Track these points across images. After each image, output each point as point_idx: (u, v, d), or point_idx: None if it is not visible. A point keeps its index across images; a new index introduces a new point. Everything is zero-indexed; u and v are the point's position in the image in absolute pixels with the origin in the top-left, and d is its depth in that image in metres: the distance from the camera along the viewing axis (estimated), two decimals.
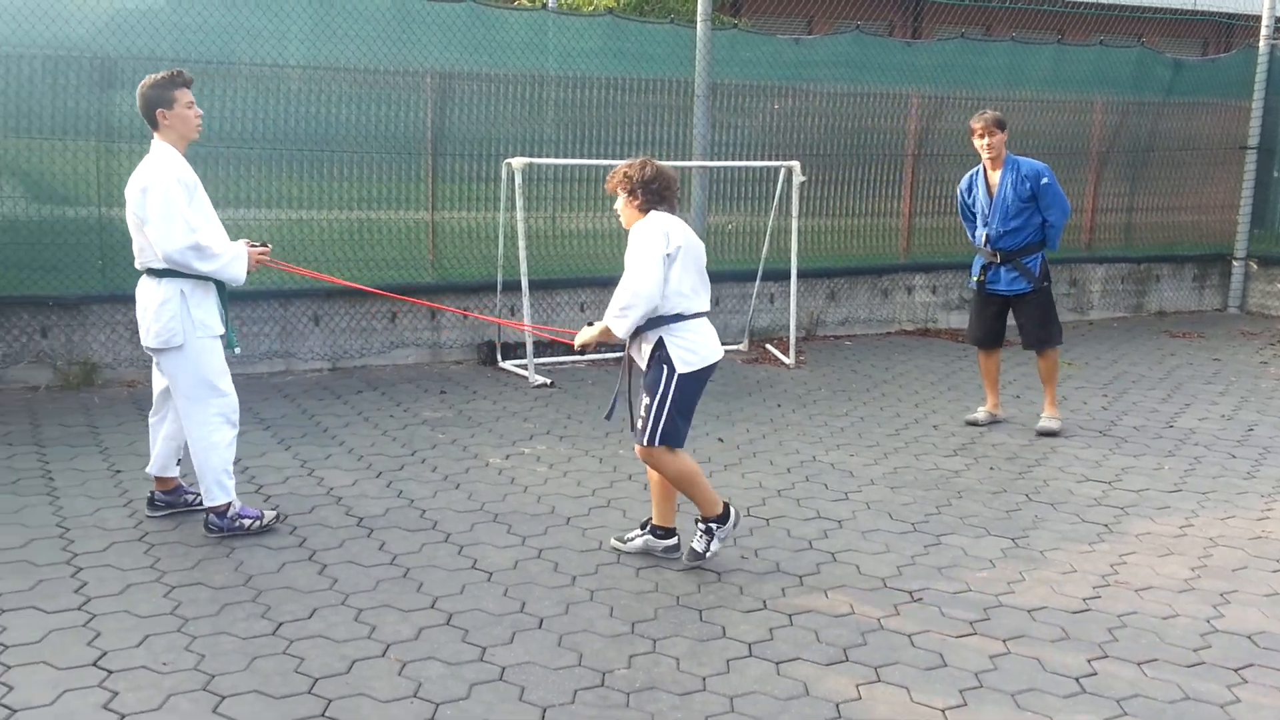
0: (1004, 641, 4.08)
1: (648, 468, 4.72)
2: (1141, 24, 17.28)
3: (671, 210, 4.57)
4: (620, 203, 4.60)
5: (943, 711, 3.59)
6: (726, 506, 4.68)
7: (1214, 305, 11.67)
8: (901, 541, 5.04)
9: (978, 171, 6.90)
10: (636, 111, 8.84)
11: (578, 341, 4.78)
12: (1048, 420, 6.85)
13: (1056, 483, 5.93)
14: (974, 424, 7.01)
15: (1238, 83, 11.11)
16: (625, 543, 4.86)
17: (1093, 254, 10.92)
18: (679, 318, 4.49)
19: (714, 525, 4.66)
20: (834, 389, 7.89)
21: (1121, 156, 10.87)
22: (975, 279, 6.99)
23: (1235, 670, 3.91)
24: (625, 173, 4.56)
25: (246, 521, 4.90)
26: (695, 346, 4.51)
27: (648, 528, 4.84)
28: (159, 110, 4.68)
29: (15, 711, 3.40)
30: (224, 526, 4.87)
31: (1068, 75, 10.42)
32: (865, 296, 9.97)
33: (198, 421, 4.78)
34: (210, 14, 7.35)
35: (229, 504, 4.87)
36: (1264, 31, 10.97)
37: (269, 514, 5.00)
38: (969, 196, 6.96)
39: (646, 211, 4.55)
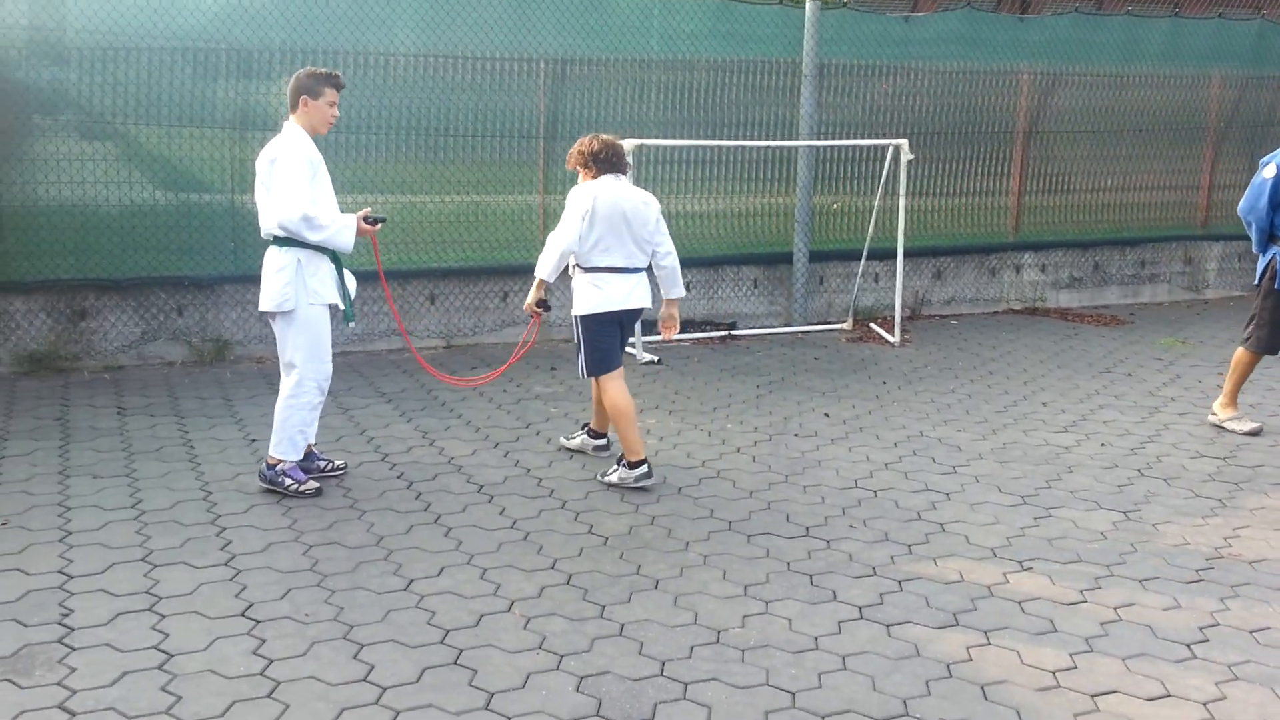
0: (1115, 609, 4.12)
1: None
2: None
3: (622, 174, 5.37)
4: (580, 176, 5.39)
5: (1053, 673, 3.66)
6: (645, 462, 5.37)
7: None
8: (1011, 514, 5.09)
9: None
10: (745, 92, 8.94)
11: (526, 304, 5.60)
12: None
13: (1170, 459, 5.89)
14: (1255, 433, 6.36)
15: None
16: (569, 439, 5.90)
17: (1209, 232, 10.66)
18: (594, 269, 5.32)
19: (629, 465, 5.38)
20: (940, 367, 7.90)
21: (1240, 132, 10.58)
22: None
23: None
24: (579, 150, 5.37)
25: (289, 482, 5.19)
26: (594, 294, 5.33)
27: (585, 428, 5.89)
28: (304, 96, 5.04)
29: (172, 656, 3.69)
30: (271, 478, 5.20)
31: (1184, 49, 10.18)
32: (972, 275, 9.92)
33: (295, 381, 5.15)
34: (338, 5, 7.67)
35: (285, 460, 5.19)
36: None
37: (311, 484, 5.22)
38: None
39: (596, 177, 5.35)
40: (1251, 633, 3.95)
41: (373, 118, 7.87)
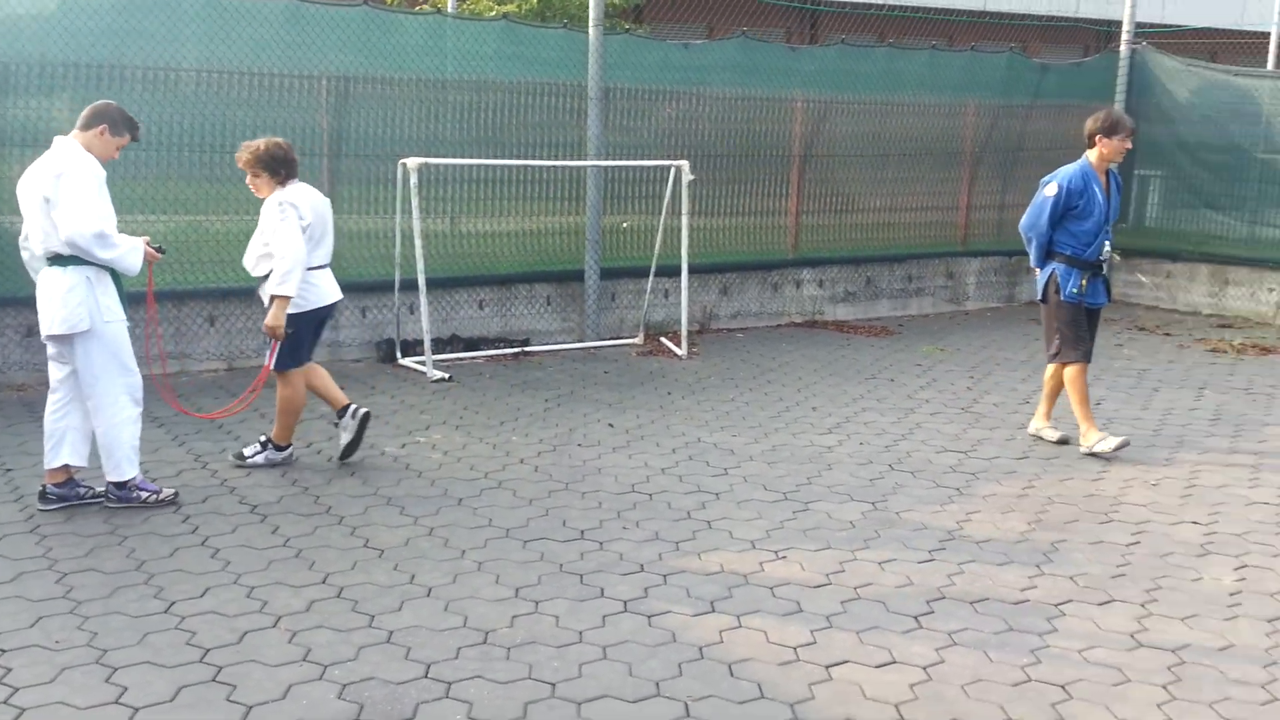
0: (855, 589, 4.45)
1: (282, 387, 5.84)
2: (1025, 31, 18.11)
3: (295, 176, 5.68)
4: (250, 178, 5.64)
5: (795, 649, 3.94)
6: (289, 446, 5.94)
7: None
8: (773, 509, 5.40)
9: (1088, 173, 6.32)
10: (535, 114, 9.12)
11: (268, 324, 5.58)
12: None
13: (918, 454, 6.36)
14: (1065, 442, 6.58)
15: (1101, 85, 11.78)
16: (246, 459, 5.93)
17: (968, 248, 11.49)
18: (307, 269, 5.62)
19: (273, 447, 5.89)
20: (723, 377, 8.25)
21: (994, 157, 11.46)
22: (1076, 290, 6.34)
23: (1055, 605, 4.34)
24: (259, 150, 5.56)
25: (144, 494, 5.16)
26: (308, 291, 5.64)
27: (266, 442, 5.99)
28: (105, 126, 5.05)
29: None
30: (123, 498, 5.13)
31: (942, 80, 10.97)
32: (756, 290, 10.38)
33: (108, 401, 5.03)
34: (103, 18, 7.44)
35: (132, 478, 5.14)
36: (1124, 36, 11.65)
37: (167, 490, 5.23)
38: (1080, 199, 6.25)
39: (285, 184, 5.62)
40: (972, 603, 4.34)
41: (146, 134, 7.63)
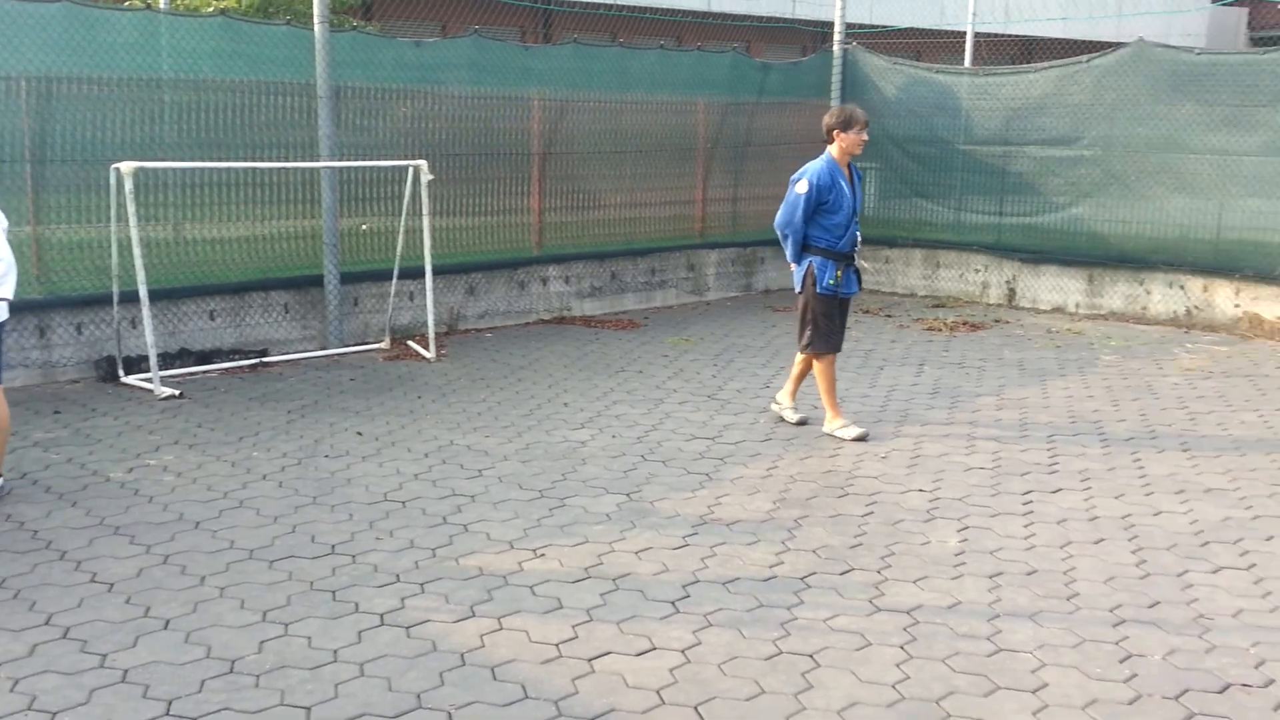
0: (614, 580, 4.52)
1: None
2: (747, 32, 18.92)
3: None
4: None
5: (557, 645, 3.96)
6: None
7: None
8: (529, 507, 5.39)
9: (833, 168, 6.55)
10: (262, 114, 8.72)
11: None
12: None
13: (669, 443, 6.52)
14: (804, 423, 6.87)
15: (819, 83, 12.45)
16: None
17: (706, 241, 11.89)
18: None
19: None
20: (473, 378, 8.18)
21: (725, 152, 11.90)
22: (832, 282, 6.57)
23: (801, 579, 4.57)
24: None
25: None
26: None
27: None
28: None
29: None
30: None
31: (672, 78, 11.27)
32: (503, 289, 10.34)
33: None
34: None
35: None
36: (837, 37, 12.36)
37: None
38: (830, 194, 6.48)
39: None
40: (725, 584, 4.50)
41: None
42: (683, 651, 3.93)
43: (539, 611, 4.23)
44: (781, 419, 6.99)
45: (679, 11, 17.56)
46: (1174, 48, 10.78)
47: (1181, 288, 10.46)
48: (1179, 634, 4.10)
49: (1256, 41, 26.56)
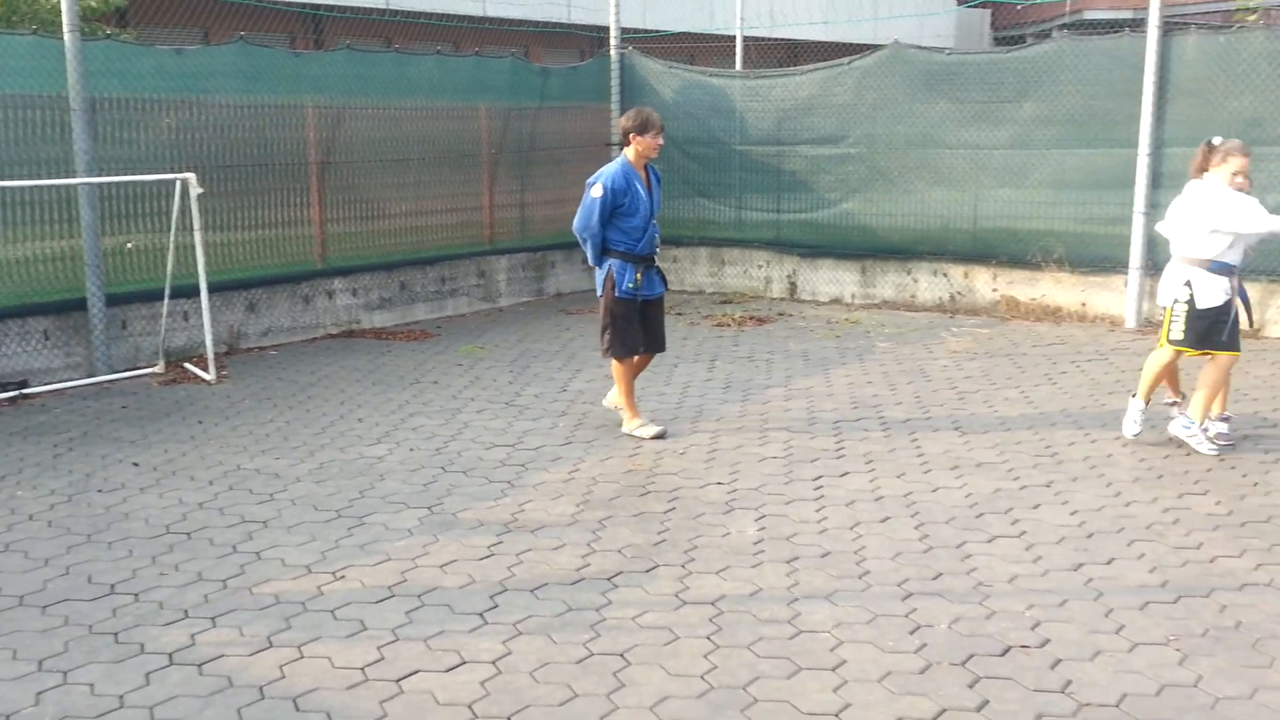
0: (419, 597, 4.43)
1: None
2: (525, 37, 18.91)
3: None
4: None
5: (362, 669, 3.85)
6: None
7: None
8: (326, 529, 5.22)
9: (628, 171, 6.57)
10: (6, 129, 8.09)
11: None
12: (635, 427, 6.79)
13: (469, 453, 6.45)
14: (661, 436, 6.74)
15: (599, 87, 12.59)
16: None
17: (495, 247, 11.82)
18: None
19: None
20: (259, 398, 7.85)
21: (510, 157, 11.86)
22: (631, 285, 6.61)
23: (608, 579, 4.61)
24: None
25: None
26: None
27: None
28: None
29: None
30: None
31: (452, 84, 11.15)
32: (286, 305, 9.97)
33: None
34: None
35: None
36: (613, 42, 12.53)
37: None
38: (625, 197, 6.51)
39: None
40: (532, 591, 4.49)
41: None
42: (493, 663, 3.89)
43: (341, 636, 4.10)
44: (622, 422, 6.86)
45: (453, 16, 17.38)
46: (926, 49, 11.47)
47: (945, 275, 11.14)
48: (962, 602, 4.37)
49: (999, 40, 28.55)
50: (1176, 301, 6.16)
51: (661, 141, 6.67)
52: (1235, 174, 5.97)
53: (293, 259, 10.00)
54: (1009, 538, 5.05)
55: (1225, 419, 6.41)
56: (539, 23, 18.86)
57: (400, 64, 10.74)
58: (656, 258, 6.79)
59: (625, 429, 6.80)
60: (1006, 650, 3.97)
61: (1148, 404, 6.47)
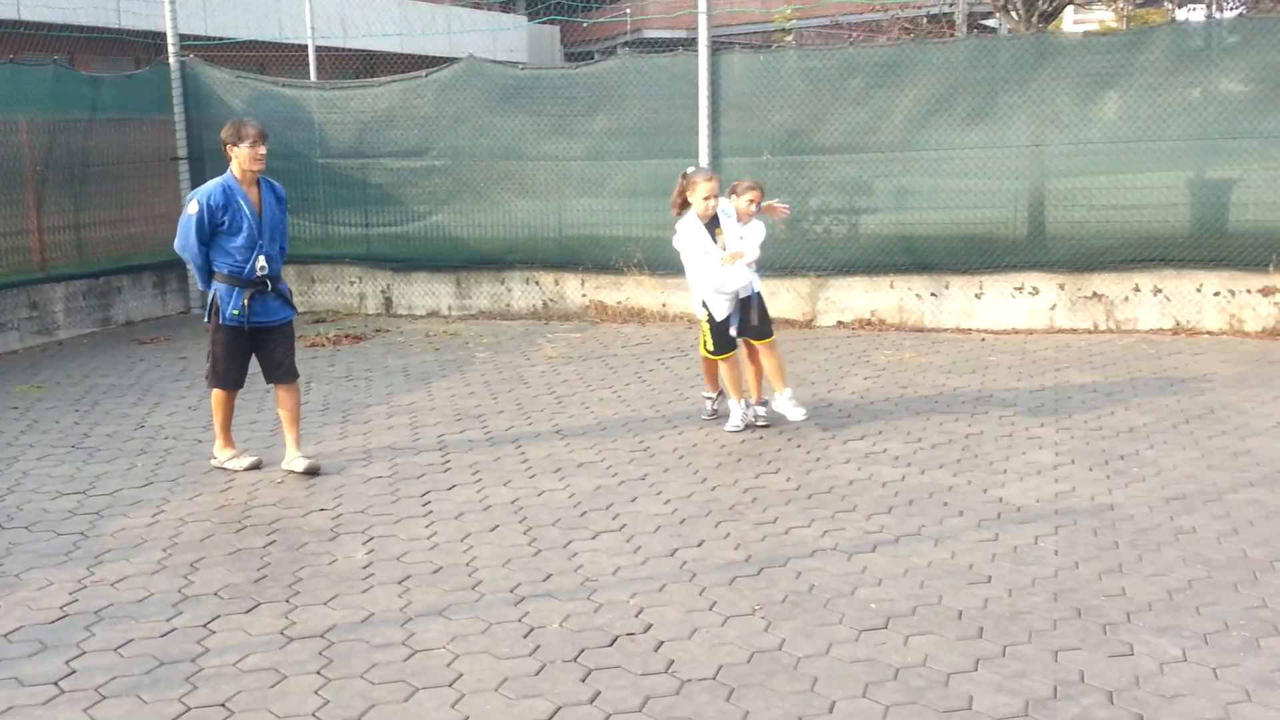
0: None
1: None
2: (69, 43, 17.20)
3: None
4: None
5: None
6: None
7: (178, 309, 12.20)
8: None
9: (231, 186, 6.06)
10: None
11: None
12: (303, 460, 6.34)
13: (31, 505, 5.77)
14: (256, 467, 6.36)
15: (160, 97, 11.71)
16: None
17: (49, 274, 10.64)
18: None
19: None
20: None
21: (60, 175, 10.72)
22: (236, 312, 6.11)
23: (203, 625, 4.29)
24: None
25: None
26: None
27: None
28: None
29: None
30: None
31: None
32: None
33: None
34: None
35: None
36: (171, 49, 11.68)
37: None
38: (225, 214, 6.02)
39: None
40: (116, 650, 4.07)
41: None
42: None
43: None
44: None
45: None
46: (501, 63, 11.74)
47: (537, 283, 11.45)
48: (571, 600, 4.50)
49: (570, 56, 29.81)
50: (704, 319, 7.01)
51: (263, 151, 6.13)
52: (705, 198, 6.73)
53: None
54: (611, 532, 5.27)
55: (762, 403, 7.17)
56: (85, 28, 17.26)
57: None
58: (275, 282, 6.26)
59: (215, 462, 6.38)
60: (614, 640, 4.14)
61: (742, 400, 7.05)
